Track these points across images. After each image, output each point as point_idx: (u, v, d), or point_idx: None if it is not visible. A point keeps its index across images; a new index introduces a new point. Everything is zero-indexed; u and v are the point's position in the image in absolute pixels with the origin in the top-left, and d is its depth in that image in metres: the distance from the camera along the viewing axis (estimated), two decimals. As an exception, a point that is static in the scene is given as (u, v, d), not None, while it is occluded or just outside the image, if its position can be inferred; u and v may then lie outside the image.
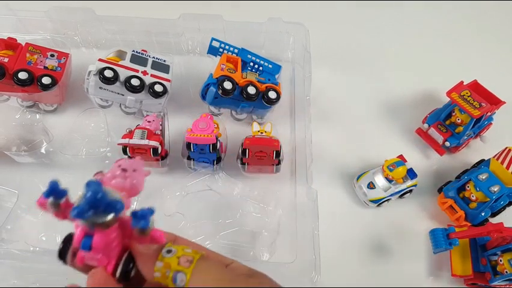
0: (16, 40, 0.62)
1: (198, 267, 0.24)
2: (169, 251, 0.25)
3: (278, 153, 0.57)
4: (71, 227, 0.58)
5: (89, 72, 0.58)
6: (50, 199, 0.22)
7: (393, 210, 0.62)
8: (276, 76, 0.66)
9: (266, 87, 0.61)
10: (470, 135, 0.65)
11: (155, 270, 0.24)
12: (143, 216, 0.22)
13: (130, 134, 0.56)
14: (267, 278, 0.26)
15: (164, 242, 0.25)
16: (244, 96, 0.60)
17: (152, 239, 0.23)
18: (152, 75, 0.61)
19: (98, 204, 0.21)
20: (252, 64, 0.65)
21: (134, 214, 0.22)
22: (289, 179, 0.62)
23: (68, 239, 0.24)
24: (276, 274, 0.27)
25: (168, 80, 0.62)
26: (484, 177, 0.57)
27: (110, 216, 0.22)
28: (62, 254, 0.24)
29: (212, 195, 0.59)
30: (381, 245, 0.60)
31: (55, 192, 0.23)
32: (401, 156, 0.62)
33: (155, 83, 0.60)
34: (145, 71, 0.60)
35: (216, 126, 0.59)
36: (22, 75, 0.58)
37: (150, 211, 0.22)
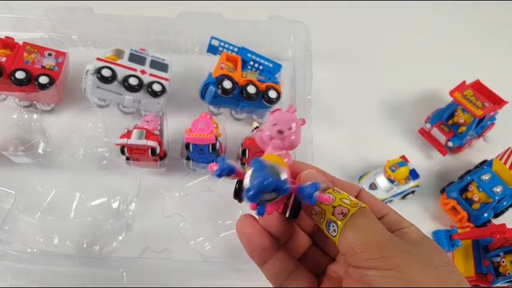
0: (14, 39, 0.62)
1: (351, 221, 0.23)
2: (324, 190, 0.25)
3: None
4: (68, 229, 0.57)
5: (87, 71, 0.58)
6: (223, 178, 0.24)
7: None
8: (277, 75, 0.66)
9: (266, 86, 0.61)
10: (473, 135, 0.64)
11: (312, 213, 0.25)
12: (309, 195, 0.22)
13: (128, 134, 0.56)
14: (435, 248, 0.23)
15: (331, 201, 0.24)
16: (244, 95, 0.59)
17: (320, 201, 0.24)
18: (150, 75, 0.60)
19: (266, 189, 0.22)
20: (252, 63, 0.64)
21: (300, 191, 0.23)
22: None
23: (240, 181, 0.25)
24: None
25: (167, 79, 0.61)
26: (486, 178, 0.57)
27: (278, 197, 0.23)
28: (238, 193, 0.25)
29: (211, 196, 0.59)
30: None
31: (225, 173, 0.24)
32: (403, 157, 0.61)
33: (153, 82, 0.59)
34: (143, 70, 0.60)
35: (215, 126, 0.58)
36: (19, 75, 0.58)
37: (314, 188, 0.22)
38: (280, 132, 0.24)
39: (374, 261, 0.21)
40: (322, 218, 0.24)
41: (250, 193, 0.22)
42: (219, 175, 0.24)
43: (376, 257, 0.21)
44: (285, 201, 0.25)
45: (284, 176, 0.23)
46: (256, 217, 0.26)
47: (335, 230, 0.23)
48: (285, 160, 0.25)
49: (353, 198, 0.24)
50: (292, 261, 0.27)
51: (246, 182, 0.22)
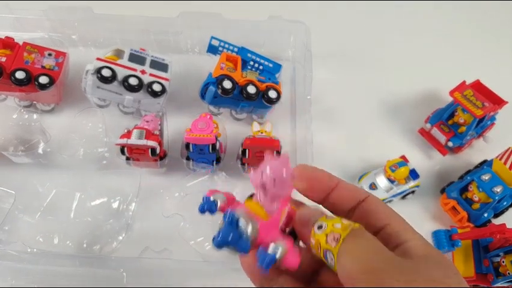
0: (14, 39, 0.62)
1: (345, 247, 0.21)
2: (319, 227, 0.23)
3: (278, 154, 0.57)
4: (68, 229, 0.57)
5: (87, 71, 0.58)
6: (206, 213, 0.25)
7: (396, 211, 0.61)
8: (277, 75, 0.66)
9: (266, 86, 0.61)
10: (473, 135, 0.64)
11: (311, 246, 0.24)
12: (267, 264, 0.22)
13: (128, 134, 0.56)
14: (439, 263, 0.21)
15: (297, 265, 0.23)
16: (244, 95, 0.59)
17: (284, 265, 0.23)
18: (150, 75, 0.60)
19: (227, 245, 0.22)
20: (252, 63, 0.64)
21: (259, 256, 0.23)
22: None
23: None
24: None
25: (167, 79, 0.61)
26: (486, 178, 0.56)
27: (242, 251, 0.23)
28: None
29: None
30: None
31: (208, 210, 0.25)
32: (403, 157, 0.61)
33: (153, 82, 0.59)
34: (143, 70, 0.60)
35: (215, 126, 0.58)
36: (19, 75, 0.58)
37: (270, 260, 0.22)
38: (263, 186, 0.23)
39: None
40: (319, 248, 0.23)
41: (214, 243, 0.22)
42: (201, 211, 0.24)
43: (373, 283, 0.20)
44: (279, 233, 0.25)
45: (250, 234, 0.22)
46: None
47: (332, 259, 0.22)
48: (277, 206, 0.24)
49: (345, 221, 0.23)
50: (298, 285, 0.25)
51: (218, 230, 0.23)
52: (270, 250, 0.22)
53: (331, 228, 0.23)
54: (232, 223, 0.22)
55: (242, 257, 0.25)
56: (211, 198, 0.24)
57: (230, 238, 0.22)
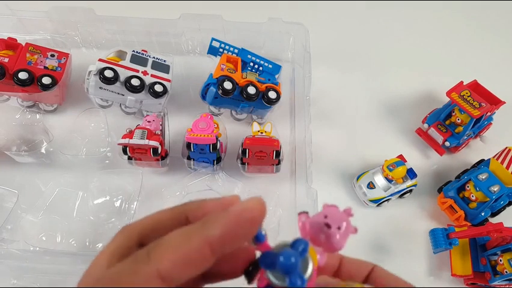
0: (16, 40, 0.62)
1: None
2: None
3: (278, 153, 0.57)
4: (71, 227, 0.58)
5: (89, 72, 0.58)
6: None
7: (393, 210, 0.62)
8: (276, 76, 0.66)
9: (266, 87, 0.61)
10: (470, 135, 0.65)
11: None
12: None
13: (130, 134, 0.56)
14: None
15: None
16: (244, 96, 0.60)
17: None
18: (152, 75, 0.61)
19: (292, 269, 0.19)
20: (252, 64, 0.65)
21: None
22: (289, 179, 0.62)
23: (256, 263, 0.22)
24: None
25: (168, 80, 0.62)
26: (483, 177, 0.57)
27: (309, 270, 0.20)
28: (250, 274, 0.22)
29: (212, 195, 0.59)
30: (381, 245, 0.60)
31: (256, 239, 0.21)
32: (400, 156, 0.62)
33: (155, 83, 0.60)
34: (145, 71, 0.60)
35: (216, 126, 0.59)
36: (22, 75, 0.58)
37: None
38: (328, 226, 0.21)
39: None
40: None
41: (265, 261, 0.20)
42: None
43: None
44: None
45: (309, 273, 0.20)
46: None
47: None
48: (318, 257, 0.22)
49: (356, 285, 0.22)
50: None
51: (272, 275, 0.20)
52: None
53: None
54: (302, 251, 0.20)
55: None
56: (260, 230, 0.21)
57: (293, 261, 0.19)
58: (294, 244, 0.20)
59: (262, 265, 0.20)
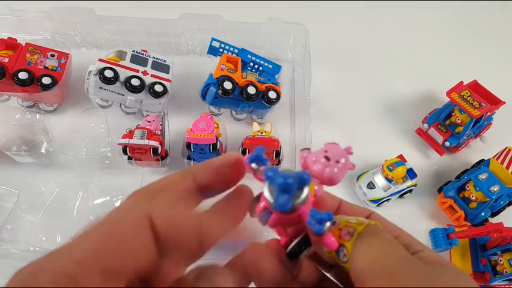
0: (16, 40, 0.62)
1: (359, 240, 0.20)
2: (333, 223, 0.22)
3: (278, 153, 0.57)
4: (71, 228, 0.58)
5: (89, 72, 0.58)
6: (253, 164, 0.23)
7: (393, 210, 0.62)
8: (276, 76, 0.66)
9: (266, 87, 0.61)
10: (470, 135, 0.65)
11: (322, 243, 0.22)
12: (320, 220, 0.20)
13: (130, 134, 0.56)
14: (458, 273, 0.19)
15: (335, 248, 0.21)
16: (244, 96, 0.60)
17: (323, 242, 0.21)
18: (152, 75, 0.61)
19: (288, 189, 0.21)
20: (252, 64, 0.65)
21: (312, 215, 0.20)
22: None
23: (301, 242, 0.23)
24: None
25: (168, 80, 0.62)
26: (483, 177, 0.57)
27: (304, 195, 0.21)
28: (296, 254, 0.23)
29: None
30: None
31: (258, 160, 0.23)
32: (400, 156, 0.62)
33: (155, 83, 0.60)
34: (145, 71, 0.60)
35: (216, 126, 0.59)
36: (22, 75, 0.58)
37: (329, 216, 0.20)
38: (327, 158, 0.22)
39: None
40: None
41: (279, 202, 0.20)
42: (251, 160, 0.23)
43: (387, 285, 0.18)
44: (290, 234, 0.23)
45: (304, 197, 0.21)
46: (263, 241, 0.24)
47: (345, 255, 0.20)
48: (315, 188, 0.23)
49: (361, 218, 0.22)
50: None
51: (267, 192, 0.21)
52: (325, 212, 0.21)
53: (345, 223, 0.22)
54: (300, 179, 0.20)
55: (250, 259, 0.23)
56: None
57: (292, 181, 0.20)
58: (296, 173, 0.21)
59: (264, 175, 0.21)
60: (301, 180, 0.21)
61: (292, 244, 0.22)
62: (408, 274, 0.18)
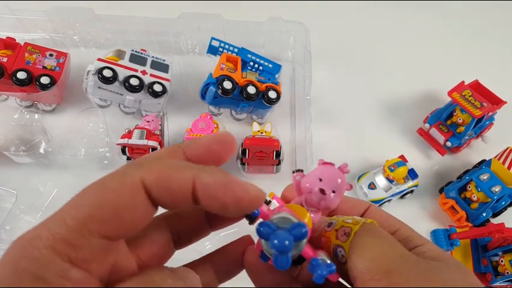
0: (15, 40, 0.62)
1: (356, 240, 0.20)
2: (330, 224, 0.22)
3: (278, 154, 0.57)
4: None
5: (88, 71, 0.58)
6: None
7: (394, 211, 0.61)
8: (276, 76, 0.66)
9: (266, 86, 0.61)
10: (471, 135, 0.65)
11: (321, 245, 0.22)
12: (321, 276, 0.20)
13: (129, 134, 0.56)
14: (458, 267, 0.19)
15: (336, 280, 0.21)
16: (244, 96, 0.60)
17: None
18: (151, 75, 0.60)
19: (288, 250, 0.20)
20: (252, 63, 0.64)
21: (314, 266, 0.20)
22: (289, 180, 0.61)
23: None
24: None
25: (167, 80, 0.61)
26: (485, 178, 0.57)
27: (302, 245, 0.20)
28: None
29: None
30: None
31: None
32: (402, 157, 0.62)
33: (154, 82, 0.60)
34: (144, 71, 0.60)
35: (215, 126, 0.59)
36: (21, 75, 0.58)
37: (329, 270, 0.20)
38: (323, 192, 0.21)
39: None
40: (329, 247, 0.21)
41: (279, 261, 0.19)
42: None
43: (385, 285, 0.18)
44: None
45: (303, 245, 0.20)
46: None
47: (343, 256, 0.20)
48: (311, 216, 0.22)
49: (357, 217, 0.22)
50: None
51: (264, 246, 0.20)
52: (327, 260, 0.20)
53: (341, 224, 0.21)
54: (298, 236, 0.20)
55: (251, 266, 0.23)
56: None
57: (287, 244, 0.19)
58: (292, 228, 0.20)
59: (258, 234, 0.20)
60: (299, 236, 0.20)
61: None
62: (406, 272, 0.18)
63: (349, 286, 0.22)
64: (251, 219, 0.22)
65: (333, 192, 0.21)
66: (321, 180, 0.22)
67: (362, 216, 0.24)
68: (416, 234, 0.22)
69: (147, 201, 0.18)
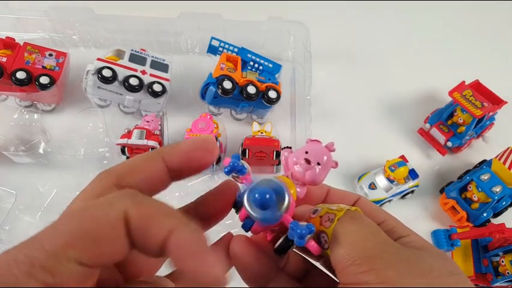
0: (14, 39, 0.62)
1: (339, 228, 0.20)
2: (315, 211, 0.22)
3: (278, 154, 0.57)
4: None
5: (88, 71, 0.58)
6: (231, 174, 0.23)
7: (395, 211, 0.61)
8: (276, 75, 0.66)
9: (266, 86, 0.61)
10: (472, 135, 0.65)
11: None
12: (300, 236, 0.20)
13: (128, 134, 0.56)
14: (438, 255, 0.19)
15: (318, 253, 0.21)
16: (244, 95, 0.60)
17: (306, 247, 0.21)
18: (151, 75, 0.60)
19: (268, 204, 0.21)
20: (252, 63, 0.64)
21: (293, 229, 0.20)
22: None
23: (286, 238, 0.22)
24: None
25: (167, 80, 0.61)
26: (486, 178, 0.57)
27: (285, 205, 0.21)
28: (283, 249, 0.23)
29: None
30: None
31: (234, 170, 0.23)
32: (402, 157, 0.61)
33: (154, 82, 0.59)
34: (143, 71, 0.60)
35: (215, 126, 0.58)
36: (20, 75, 0.58)
37: (309, 230, 0.20)
38: (308, 161, 0.22)
39: (362, 275, 0.18)
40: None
41: (255, 215, 0.20)
42: (228, 172, 0.23)
43: (365, 270, 0.18)
44: (276, 231, 0.23)
45: (285, 205, 0.21)
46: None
47: (326, 241, 0.21)
48: (298, 190, 0.23)
49: (342, 205, 0.22)
50: (293, 284, 0.24)
51: (244, 198, 0.21)
52: (304, 225, 0.20)
53: (326, 210, 0.22)
54: (277, 192, 0.21)
55: (236, 256, 0.23)
56: (240, 162, 0.22)
57: (268, 197, 0.20)
58: (273, 185, 0.21)
59: (241, 199, 0.21)
60: (279, 192, 0.21)
61: (280, 240, 0.22)
62: (388, 258, 0.18)
63: (334, 277, 0.23)
64: (237, 208, 0.23)
65: (318, 164, 0.22)
66: (307, 153, 0.22)
67: (325, 197, 0.25)
68: (401, 225, 0.22)
69: (126, 236, 0.18)
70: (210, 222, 0.24)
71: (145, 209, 0.18)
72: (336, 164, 0.23)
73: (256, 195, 0.20)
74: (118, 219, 0.17)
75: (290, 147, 0.24)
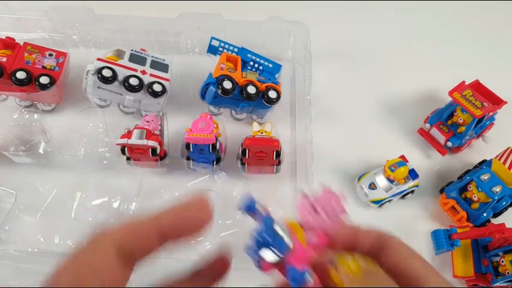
0: (14, 39, 0.62)
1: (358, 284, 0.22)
2: (331, 262, 0.25)
3: (278, 154, 0.57)
4: (69, 229, 0.58)
5: (88, 71, 0.58)
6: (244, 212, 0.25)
7: (395, 211, 0.62)
8: (276, 75, 0.66)
9: (266, 86, 0.61)
10: (472, 135, 0.65)
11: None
12: (294, 279, 0.22)
13: (128, 134, 0.56)
14: None
15: None
16: (244, 95, 0.60)
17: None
18: (151, 75, 0.60)
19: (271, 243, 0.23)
20: (252, 63, 0.64)
21: (288, 273, 0.22)
22: (289, 180, 0.62)
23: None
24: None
25: (167, 80, 0.61)
26: (486, 178, 0.57)
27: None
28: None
29: (211, 196, 0.59)
30: (382, 246, 0.59)
31: (249, 210, 0.25)
32: (402, 157, 0.61)
33: (154, 82, 0.59)
34: (143, 71, 0.60)
35: (215, 126, 0.58)
36: (20, 75, 0.58)
37: (301, 277, 0.22)
38: (314, 209, 0.24)
39: None
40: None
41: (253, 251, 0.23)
42: (245, 209, 0.25)
43: None
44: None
45: (287, 240, 0.23)
46: None
47: None
48: (310, 237, 0.24)
49: (359, 259, 0.24)
50: None
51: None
52: (301, 270, 0.22)
53: (345, 265, 0.24)
54: (272, 228, 0.23)
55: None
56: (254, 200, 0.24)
57: (269, 238, 0.22)
58: (274, 243, 0.23)
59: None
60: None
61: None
62: None
63: None
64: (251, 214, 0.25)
65: (325, 211, 0.24)
66: (316, 201, 0.24)
67: (381, 249, 0.24)
68: (429, 273, 0.22)
69: (121, 264, 0.19)
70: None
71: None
72: (344, 211, 0.25)
73: (258, 237, 0.23)
74: (110, 253, 0.19)
75: (306, 195, 0.26)
